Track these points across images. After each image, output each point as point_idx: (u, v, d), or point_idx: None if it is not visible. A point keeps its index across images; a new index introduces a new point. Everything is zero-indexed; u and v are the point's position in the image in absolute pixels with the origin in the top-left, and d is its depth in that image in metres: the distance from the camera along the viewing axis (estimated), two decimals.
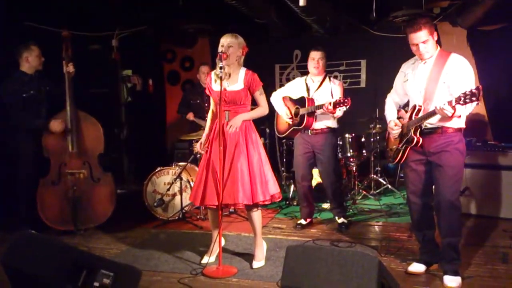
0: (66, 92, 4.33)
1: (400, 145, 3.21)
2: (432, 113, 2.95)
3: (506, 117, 5.88)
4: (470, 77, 2.98)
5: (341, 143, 5.58)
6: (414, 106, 3.13)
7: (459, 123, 3.06)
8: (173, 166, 4.99)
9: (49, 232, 4.31)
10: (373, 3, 5.15)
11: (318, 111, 4.21)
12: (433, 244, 3.31)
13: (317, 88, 4.37)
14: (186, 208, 4.81)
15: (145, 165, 5.83)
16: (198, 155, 4.87)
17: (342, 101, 3.97)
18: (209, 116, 3.68)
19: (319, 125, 4.33)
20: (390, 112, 3.40)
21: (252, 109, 3.56)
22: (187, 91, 6.41)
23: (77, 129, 4.39)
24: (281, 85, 5.19)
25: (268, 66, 7.29)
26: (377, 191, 5.73)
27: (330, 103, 4.00)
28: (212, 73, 3.55)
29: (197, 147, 3.66)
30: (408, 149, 3.19)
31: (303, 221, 4.55)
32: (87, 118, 4.49)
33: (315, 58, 4.33)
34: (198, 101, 5.77)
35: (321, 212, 4.98)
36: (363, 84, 7.01)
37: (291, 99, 4.47)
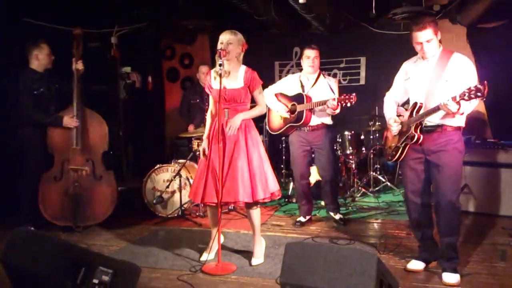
0: (74, 89, 4.34)
1: (400, 143, 3.21)
2: (435, 110, 2.95)
3: (505, 114, 5.87)
4: (473, 76, 2.98)
5: (340, 140, 5.59)
6: (415, 103, 3.12)
7: (459, 121, 3.06)
8: (172, 163, 4.99)
9: (52, 229, 4.33)
10: (373, 0, 5.14)
11: (317, 108, 4.21)
12: (432, 242, 3.31)
13: (313, 85, 4.36)
14: (185, 206, 4.81)
15: (144, 162, 5.83)
16: (198, 153, 4.87)
17: (348, 97, 3.95)
18: (208, 115, 3.67)
19: (315, 121, 4.32)
20: (390, 110, 3.39)
21: (251, 107, 3.56)
22: (187, 90, 6.41)
23: (83, 126, 4.40)
24: None
25: (268, 63, 7.27)
26: (376, 188, 5.74)
27: (334, 99, 3.98)
28: (212, 71, 3.54)
29: (201, 155, 3.61)
30: (408, 146, 3.19)
31: (302, 219, 4.55)
32: (93, 116, 4.50)
33: (310, 57, 4.31)
34: (197, 100, 5.76)
35: (320, 210, 4.99)
36: (362, 82, 7.01)
37: (285, 95, 4.43)
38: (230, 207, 4.97)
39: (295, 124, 4.32)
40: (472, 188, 4.71)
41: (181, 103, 6.12)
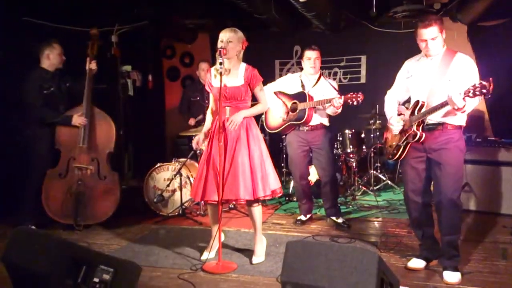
0: (86, 88, 4.36)
1: (401, 141, 3.20)
2: (439, 107, 2.94)
3: (506, 113, 5.87)
4: (475, 76, 2.98)
5: (341, 139, 5.59)
6: (417, 102, 3.11)
7: (460, 120, 3.06)
8: (173, 162, 4.99)
9: (53, 227, 4.34)
10: None
11: (317, 107, 4.19)
12: (432, 240, 3.31)
13: (314, 85, 4.33)
14: (186, 204, 4.81)
15: (145, 161, 5.82)
16: (198, 151, 4.87)
17: (355, 95, 3.91)
18: (209, 113, 3.67)
19: (315, 121, 4.29)
20: (391, 108, 3.37)
21: (252, 105, 3.55)
22: (187, 87, 6.40)
23: (90, 125, 4.41)
24: None
25: (268, 62, 7.26)
26: (377, 187, 5.73)
27: (340, 97, 3.95)
28: (212, 69, 3.53)
29: (194, 145, 3.66)
30: (409, 145, 3.18)
31: (303, 217, 4.54)
32: (101, 115, 4.50)
33: (311, 58, 4.28)
34: (198, 98, 5.76)
35: (320, 208, 4.98)
36: (363, 80, 7.00)
37: (285, 93, 4.40)
38: (230, 206, 4.97)
39: (295, 123, 4.29)
40: (473, 186, 4.71)
41: (180, 101, 6.12)
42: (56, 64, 4.41)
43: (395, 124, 3.25)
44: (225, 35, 3.36)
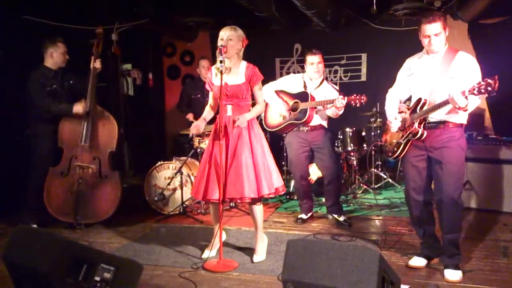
0: (89, 86, 4.36)
1: (402, 139, 3.20)
2: (441, 104, 2.93)
3: (507, 111, 5.86)
4: (477, 74, 2.97)
5: (341, 137, 5.58)
6: (419, 99, 3.10)
7: (461, 118, 3.05)
8: (174, 161, 4.99)
9: (55, 226, 4.34)
10: None
11: (319, 107, 4.18)
12: (433, 238, 3.31)
13: (317, 87, 4.31)
14: (186, 203, 4.81)
15: (145, 160, 5.82)
16: (199, 150, 4.87)
17: (358, 97, 3.88)
18: (208, 108, 3.66)
19: (315, 121, 4.28)
20: (392, 106, 3.37)
21: (252, 104, 3.55)
22: (187, 85, 6.37)
23: (93, 124, 4.41)
24: None
25: (268, 60, 7.25)
26: (378, 185, 5.73)
27: (343, 97, 3.92)
28: (213, 67, 3.53)
29: (193, 131, 3.57)
30: (410, 143, 3.18)
31: (304, 216, 4.54)
32: (104, 114, 4.50)
33: (314, 63, 4.25)
34: (198, 95, 5.75)
35: (321, 207, 4.98)
36: (363, 78, 6.99)
37: (286, 92, 4.38)
38: (231, 204, 4.97)
39: (296, 122, 4.27)
40: (474, 184, 4.71)
41: (180, 98, 6.08)
42: (59, 63, 4.41)
43: (394, 123, 3.25)
44: (225, 33, 3.35)
